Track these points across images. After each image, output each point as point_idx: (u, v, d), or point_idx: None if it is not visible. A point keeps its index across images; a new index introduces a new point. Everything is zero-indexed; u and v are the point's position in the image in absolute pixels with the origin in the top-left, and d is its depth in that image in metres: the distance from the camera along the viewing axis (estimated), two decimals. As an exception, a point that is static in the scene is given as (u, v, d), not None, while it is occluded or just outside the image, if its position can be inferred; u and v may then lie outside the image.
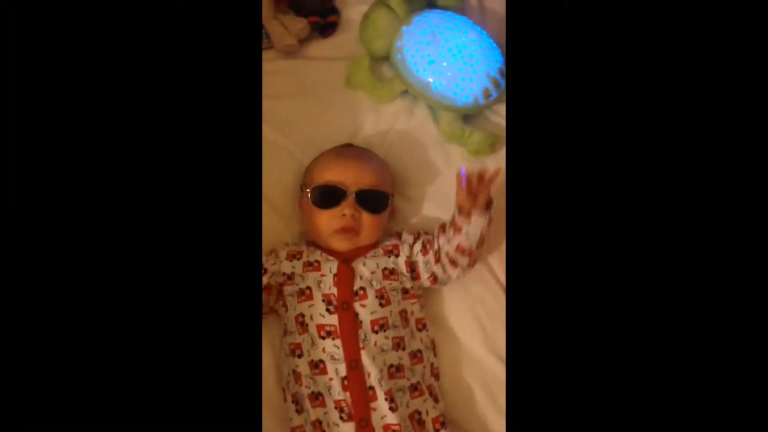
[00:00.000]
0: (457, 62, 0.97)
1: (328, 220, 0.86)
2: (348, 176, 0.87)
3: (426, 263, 0.86)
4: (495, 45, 1.01)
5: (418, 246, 0.87)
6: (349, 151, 0.93)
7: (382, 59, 1.06)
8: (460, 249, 0.82)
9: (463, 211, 0.81)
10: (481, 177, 0.81)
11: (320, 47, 1.08)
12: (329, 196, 0.86)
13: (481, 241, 0.83)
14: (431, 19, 1.01)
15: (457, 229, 0.82)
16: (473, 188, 0.81)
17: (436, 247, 0.85)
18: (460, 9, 1.06)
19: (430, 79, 0.98)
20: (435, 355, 0.87)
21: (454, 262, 0.84)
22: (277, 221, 0.95)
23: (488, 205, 0.82)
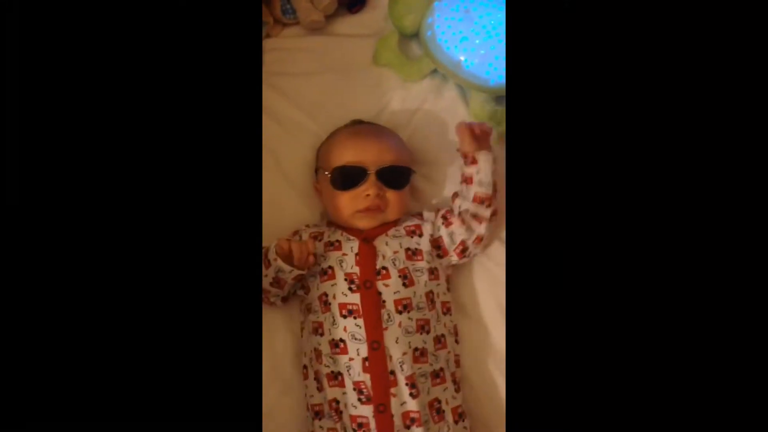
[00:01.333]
0: (490, 40, 0.93)
1: (351, 201, 0.83)
2: (367, 155, 0.84)
3: (450, 234, 0.84)
4: None
5: (439, 221, 0.85)
6: (363, 128, 0.90)
7: (412, 36, 1.02)
8: (478, 199, 0.83)
9: (468, 157, 0.83)
10: (479, 126, 0.84)
11: (347, 23, 1.05)
12: (351, 178, 0.83)
13: (495, 187, 0.84)
14: None
15: (469, 181, 0.83)
16: (475, 132, 0.83)
17: (456, 211, 0.84)
18: (495, -16, 1.02)
19: (462, 57, 0.94)
20: (457, 342, 0.84)
21: (476, 216, 0.83)
22: (299, 203, 0.93)
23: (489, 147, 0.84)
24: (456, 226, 0.84)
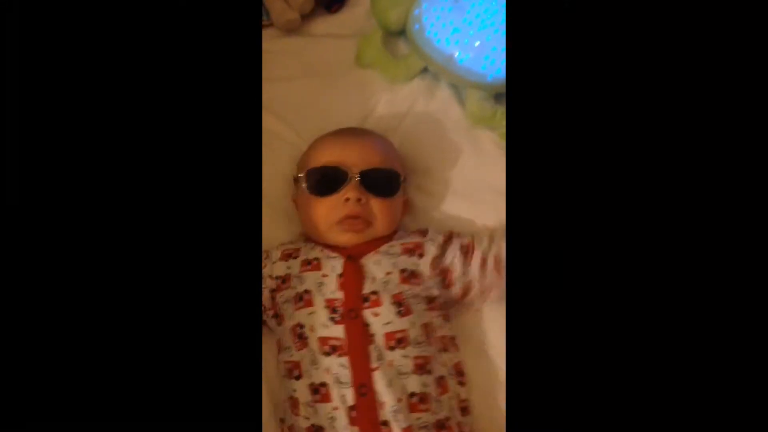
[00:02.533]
0: (485, 30, 0.84)
1: (329, 210, 0.73)
2: (349, 156, 0.74)
3: (464, 272, 0.73)
4: None
5: (454, 249, 0.74)
6: (349, 129, 0.81)
7: (398, 33, 0.94)
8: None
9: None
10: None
11: (326, 23, 0.98)
12: (328, 180, 0.73)
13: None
14: None
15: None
16: None
17: (481, 249, 0.73)
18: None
19: (455, 52, 0.86)
20: (462, 384, 0.72)
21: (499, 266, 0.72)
22: (275, 222, 0.83)
23: None
24: (476, 265, 0.73)
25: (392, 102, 0.91)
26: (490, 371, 0.75)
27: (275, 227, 0.83)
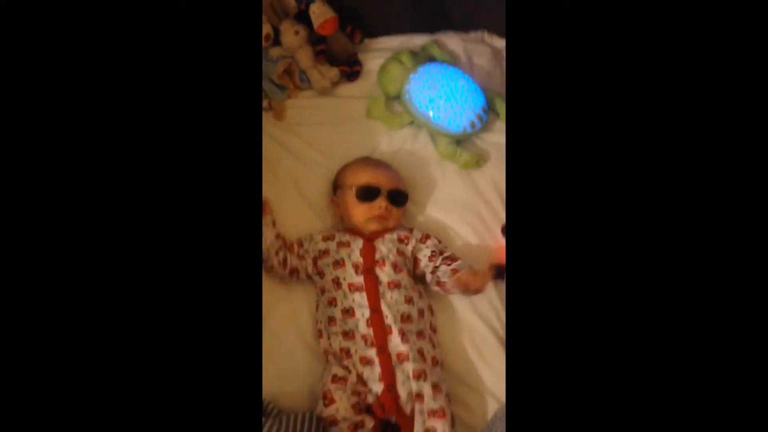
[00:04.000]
0: (450, 101, 1.27)
1: (367, 211, 1.16)
2: (380, 179, 1.17)
3: (425, 266, 1.15)
4: (479, 89, 1.33)
5: (426, 251, 1.15)
6: (374, 160, 1.25)
7: (395, 98, 1.34)
8: (443, 287, 1.12)
9: (461, 283, 1.08)
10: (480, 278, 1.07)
11: (347, 89, 1.39)
12: (368, 194, 1.16)
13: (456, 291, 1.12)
14: (432, 69, 1.31)
15: (452, 276, 1.10)
16: (471, 286, 1.07)
17: (437, 264, 1.14)
18: (453, 62, 1.39)
19: (431, 113, 1.27)
20: (432, 314, 1.14)
21: (438, 284, 1.12)
22: (312, 215, 1.24)
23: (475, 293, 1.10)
24: (429, 269, 1.12)
25: (390, 142, 1.31)
26: (448, 311, 1.17)
27: (313, 219, 1.23)
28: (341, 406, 0.97)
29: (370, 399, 1.00)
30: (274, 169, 1.28)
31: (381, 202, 1.16)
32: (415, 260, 1.16)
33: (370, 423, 0.97)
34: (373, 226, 1.16)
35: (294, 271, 1.14)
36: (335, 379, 1.00)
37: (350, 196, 1.18)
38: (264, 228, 1.14)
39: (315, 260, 1.15)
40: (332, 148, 1.30)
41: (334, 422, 0.97)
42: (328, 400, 0.98)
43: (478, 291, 1.10)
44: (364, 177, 1.18)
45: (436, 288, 1.15)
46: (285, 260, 1.12)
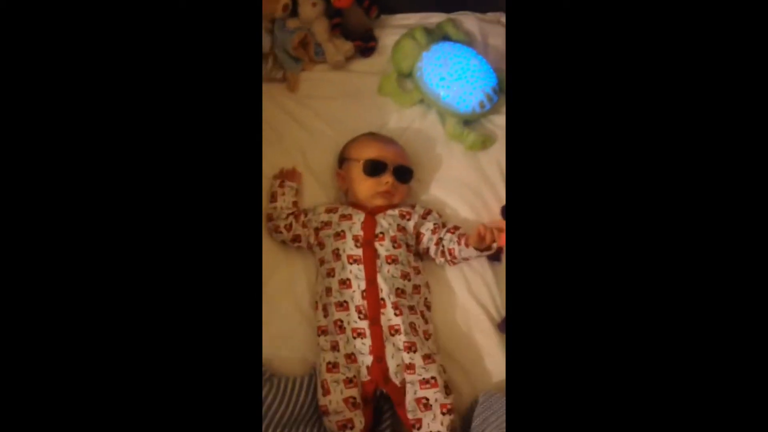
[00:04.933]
0: (461, 81, 1.26)
1: (373, 186, 1.17)
2: (387, 154, 1.19)
3: (429, 239, 1.16)
4: (491, 69, 1.32)
5: (429, 224, 1.16)
6: (381, 136, 1.26)
7: (406, 75, 1.35)
8: (452, 253, 1.13)
9: (472, 242, 1.08)
10: (492, 233, 1.07)
11: (361, 64, 1.39)
12: (376, 168, 1.17)
13: (466, 260, 1.14)
14: (445, 48, 1.30)
15: (459, 243, 1.12)
16: (485, 238, 1.07)
17: (441, 236, 1.15)
18: (468, 42, 1.39)
19: (441, 92, 1.27)
20: (429, 290, 1.16)
21: (443, 254, 1.15)
22: (317, 187, 1.26)
23: (488, 250, 1.10)
24: (433, 241, 1.13)
25: (399, 119, 1.32)
26: (444, 290, 1.19)
27: (317, 190, 1.25)
28: (334, 399, 0.99)
29: (363, 375, 1.02)
30: (283, 139, 1.30)
31: (387, 178, 1.17)
32: (418, 235, 1.17)
33: (359, 424, 0.99)
34: (378, 201, 1.18)
35: (296, 239, 1.17)
36: (329, 368, 1.01)
37: (357, 170, 1.19)
38: (286, 191, 1.19)
39: (317, 231, 1.17)
40: (342, 122, 1.32)
41: (326, 413, 1.00)
42: (324, 390, 1.01)
43: (492, 242, 1.07)
44: (371, 151, 1.19)
45: (441, 260, 1.15)
46: (290, 225, 1.16)
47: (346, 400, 0.99)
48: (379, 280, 1.08)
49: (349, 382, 1.01)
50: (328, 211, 1.19)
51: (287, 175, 1.22)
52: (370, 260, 1.09)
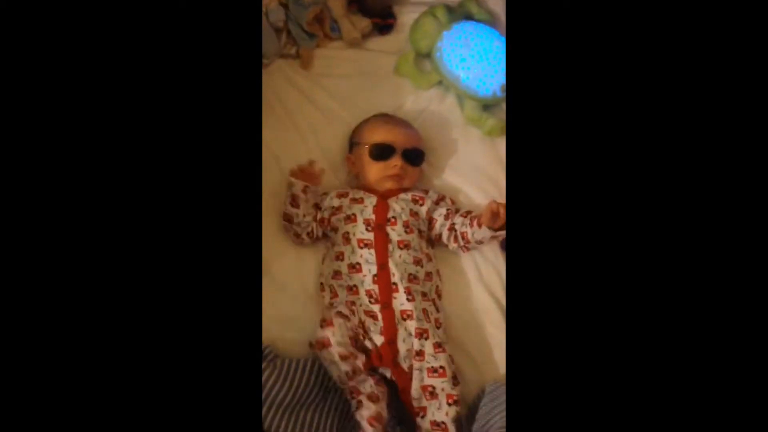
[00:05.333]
0: (482, 63, 1.24)
1: (381, 170, 1.14)
2: (396, 138, 1.15)
3: (442, 225, 1.13)
4: None
5: (442, 209, 1.13)
6: (391, 118, 1.21)
7: (425, 55, 1.30)
8: (464, 237, 1.09)
9: (485, 220, 1.04)
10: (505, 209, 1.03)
11: (378, 42, 1.35)
12: (383, 152, 1.14)
13: (480, 243, 1.10)
14: (466, 28, 1.26)
15: (472, 225, 1.08)
16: (498, 214, 1.03)
17: (454, 221, 1.11)
18: (491, 22, 1.33)
19: (461, 74, 1.23)
20: (440, 279, 1.13)
21: (456, 239, 1.11)
22: (329, 170, 1.22)
23: (501, 230, 1.05)
24: (446, 226, 1.10)
25: (416, 101, 1.28)
26: (456, 278, 1.16)
27: (328, 173, 1.21)
28: (338, 332, 0.95)
29: (369, 345, 1.00)
30: (295, 119, 1.27)
31: (396, 161, 1.14)
32: (430, 221, 1.14)
33: (362, 357, 0.96)
34: (388, 185, 1.15)
35: (317, 238, 1.14)
36: (338, 314, 0.98)
37: (364, 155, 1.16)
38: (309, 197, 1.12)
39: (329, 217, 1.14)
40: (356, 103, 1.28)
41: (326, 345, 0.95)
42: (326, 323, 0.97)
43: (505, 220, 1.03)
44: (379, 135, 1.16)
45: (454, 245, 1.12)
46: (312, 232, 1.13)
47: (351, 338, 0.96)
48: (391, 264, 1.05)
49: (355, 332, 0.98)
50: (340, 195, 1.16)
51: (308, 177, 1.11)
52: (381, 244, 1.07)
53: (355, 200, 1.13)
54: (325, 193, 1.17)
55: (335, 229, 1.13)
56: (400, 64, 1.31)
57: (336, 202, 1.14)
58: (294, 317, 1.09)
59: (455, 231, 1.11)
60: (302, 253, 1.15)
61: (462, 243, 1.11)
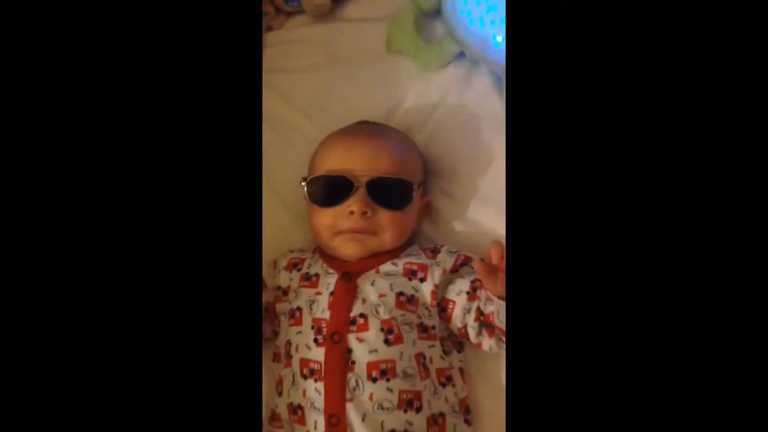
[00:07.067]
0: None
1: (332, 221, 0.66)
2: (357, 162, 0.66)
3: (465, 310, 0.63)
4: None
5: (463, 283, 0.64)
6: (361, 129, 0.72)
7: (431, 14, 0.82)
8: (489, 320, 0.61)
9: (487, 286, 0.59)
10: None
11: (357, 6, 0.90)
12: (333, 190, 0.66)
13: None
14: None
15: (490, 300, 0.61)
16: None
17: (482, 303, 0.61)
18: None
19: (490, 33, 0.71)
20: (468, 423, 0.62)
21: (489, 331, 0.62)
22: (289, 222, 0.78)
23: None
24: (473, 312, 0.62)
25: (423, 92, 0.81)
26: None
27: (289, 231, 0.78)
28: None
29: None
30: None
31: (352, 205, 0.64)
32: (442, 308, 0.64)
33: None
34: (349, 250, 0.66)
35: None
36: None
37: (305, 197, 0.69)
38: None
39: (274, 303, 0.70)
40: (326, 107, 0.84)
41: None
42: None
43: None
44: (330, 160, 0.68)
45: (489, 343, 0.63)
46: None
47: None
48: (350, 416, 0.58)
49: None
50: (290, 266, 0.70)
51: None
52: (335, 373, 0.59)
53: (306, 279, 0.67)
54: (274, 262, 0.73)
55: (278, 331, 0.68)
56: (394, 34, 0.83)
57: (284, 280, 0.70)
58: None
59: (481, 317, 0.62)
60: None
61: (499, 335, 0.61)
